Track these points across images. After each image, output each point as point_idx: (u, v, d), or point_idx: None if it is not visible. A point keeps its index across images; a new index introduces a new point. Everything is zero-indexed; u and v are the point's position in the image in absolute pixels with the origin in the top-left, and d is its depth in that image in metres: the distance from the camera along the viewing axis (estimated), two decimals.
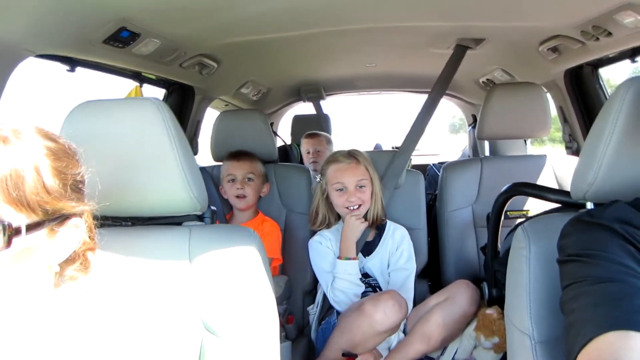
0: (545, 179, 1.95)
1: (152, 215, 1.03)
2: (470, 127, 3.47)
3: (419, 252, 1.93)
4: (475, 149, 3.27)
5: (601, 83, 1.96)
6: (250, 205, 1.92)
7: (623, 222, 0.69)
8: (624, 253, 0.65)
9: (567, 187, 1.89)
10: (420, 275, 1.97)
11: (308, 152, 2.81)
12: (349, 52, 2.32)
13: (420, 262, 1.94)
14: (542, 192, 1.18)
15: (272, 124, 3.51)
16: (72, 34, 1.22)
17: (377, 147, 3.68)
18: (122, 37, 1.30)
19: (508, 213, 1.92)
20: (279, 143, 3.49)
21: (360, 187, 1.73)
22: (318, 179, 1.84)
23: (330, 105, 3.66)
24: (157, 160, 0.93)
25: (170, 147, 0.93)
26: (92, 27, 1.24)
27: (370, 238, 1.79)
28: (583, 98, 2.01)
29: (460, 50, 1.98)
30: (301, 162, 2.97)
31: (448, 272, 1.99)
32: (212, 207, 1.19)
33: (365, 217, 1.75)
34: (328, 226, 1.80)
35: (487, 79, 2.62)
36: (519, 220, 1.75)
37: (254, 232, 1.06)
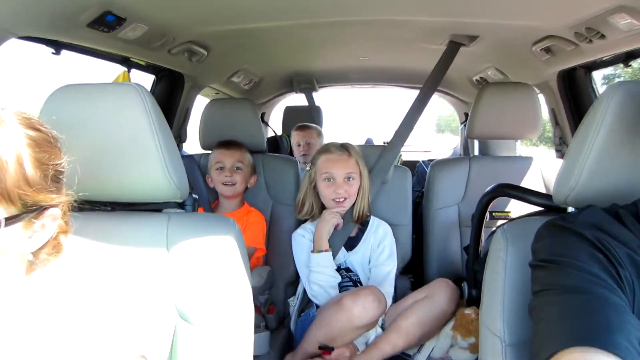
0: (533, 181, 1.95)
1: (131, 201, 1.02)
2: (462, 125, 3.46)
3: (403, 249, 1.93)
4: (466, 147, 3.26)
5: (594, 86, 1.95)
6: (237, 194, 1.91)
7: (595, 227, 0.68)
8: (592, 261, 0.64)
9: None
10: (403, 272, 1.97)
11: (298, 145, 2.79)
12: (342, 44, 2.29)
13: (404, 258, 1.94)
14: (524, 195, 1.17)
15: (263, 114, 3.48)
16: (54, 16, 1.18)
17: (368, 141, 3.67)
18: (108, 22, 1.27)
19: (493, 214, 1.93)
20: (270, 134, 3.48)
21: (349, 179, 1.72)
22: (308, 169, 1.83)
23: (323, 97, 3.64)
24: (137, 146, 0.92)
25: (150, 133, 0.91)
26: (75, 10, 1.20)
27: (353, 233, 1.78)
28: (575, 101, 2.01)
29: (453, 47, 1.97)
30: (291, 153, 2.95)
31: (430, 269, 1.99)
32: (194, 195, 1.17)
33: (351, 211, 1.75)
34: (313, 217, 1.79)
35: (481, 77, 2.61)
36: (500, 222, 1.75)
37: (233, 221, 1.05)
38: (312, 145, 2.75)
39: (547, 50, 1.75)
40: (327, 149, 1.78)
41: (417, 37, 2.02)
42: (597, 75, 1.99)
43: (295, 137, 2.82)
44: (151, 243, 0.94)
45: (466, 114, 3.40)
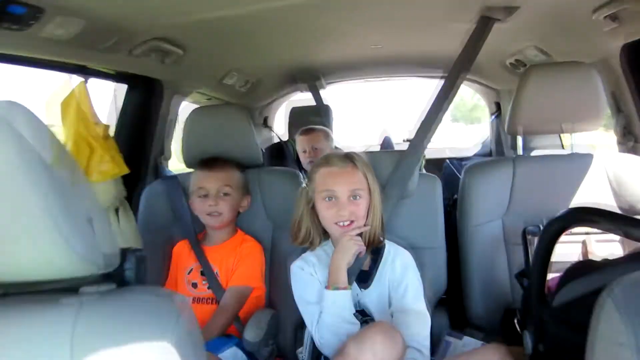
0: (596, 184, 1.55)
1: (23, 282, 0.67)
2: (493, 117, 3.04)
3: (437, 278, 1.56)
4: (499, 141, 2.85)
5: None
6: (225, 224, 1.56)
7: None
8: None
9: (624, 194, 1.51)
10: (438, 305, 1.59)
11: (304, 151, 2.43)
12: (350, 30, 1.93)
13: (438, 289, 1.57)
14: (623, 227, 0.79)
15: (266, 118, 3.13)
16: None
17: (386, 140, 3.24)
18: (14, 14, 0.92)
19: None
20: (275, 139, 3.13)
21: (355, 197, 1.35)
22: (304, 185, 1.46)
23: (333, 94, 3.26)
24: (10, 203, 0.57)
25: (28, 182, 0.56)
26: None
27: (365, 266, 1.41)
28: None
29: (485, 23, 1.57)
30: (298, 161, 2.58)
31: (473, 301, 1.60)
32: (139, 253, 0.82)
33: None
34: (312, 244, 1.42)
35: (516, 60, 2.19)
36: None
37: (182, 299, 0.69)
38: (320, 151, 2.39)
39: (614, 17, 1.34)
40: (327, 160, 1.40)
41: (441, 15, 1.65)
42: None
43: (300, 143, 2.46)
44: (49, 350, 0.59)
45: (497, 103, 2.98)
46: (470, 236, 1.61)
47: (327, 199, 1.35)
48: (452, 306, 1.62)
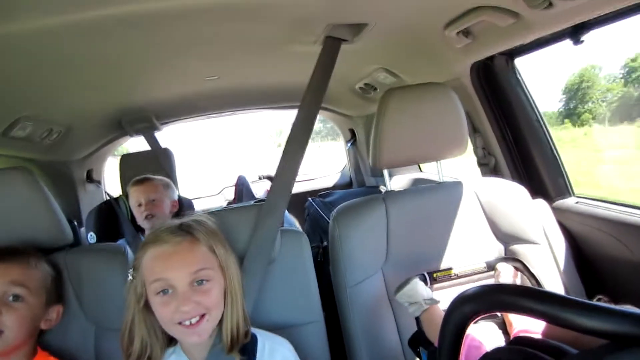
0: (471, 213, 1.42)
1: None
2: (349, 144, 2.90)
3: (320, 357, 1.25)
4: (358, 170, 2.71)
5: (518, 77, 1.48)
6: (12, 347, 1.05)
7: None
8: None
9: (498, 222, 1.40)
10: None
11: (139, 205, 1.95)
12: (177, 60, 1.57)
13: None
14: (553, 310, 0.56)
15: (90, 171, 2.55)
16: None
17: (241, 180, 2.88)
18: None
19: (434, 275, 1.35)
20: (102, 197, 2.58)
21: (200, 283, 0.98)
22: (130, 277, 1.04)
23: (174, 134, 2.82)
24: None
25: None
26: None
27: None
28: (496, 98, 1.52)
29: (332, 45, 1.35)
30: (133, 220, 2.09)
31: None
32: None
33: (219, 333, 1.02)
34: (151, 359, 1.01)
35: (365, 84, 2.06)
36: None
37: None
38: (159, 203, 1.95)
39: (467, 32, 1.21)
40: (156, 236, 1.01)
41: (281, 37, 1.38)
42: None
43: (134, 195, 1.98)
44: None
45: (351, 130, 2.86)
46: (349, 298, 1.32)
47: (161, 292, 0.96)
48: None
